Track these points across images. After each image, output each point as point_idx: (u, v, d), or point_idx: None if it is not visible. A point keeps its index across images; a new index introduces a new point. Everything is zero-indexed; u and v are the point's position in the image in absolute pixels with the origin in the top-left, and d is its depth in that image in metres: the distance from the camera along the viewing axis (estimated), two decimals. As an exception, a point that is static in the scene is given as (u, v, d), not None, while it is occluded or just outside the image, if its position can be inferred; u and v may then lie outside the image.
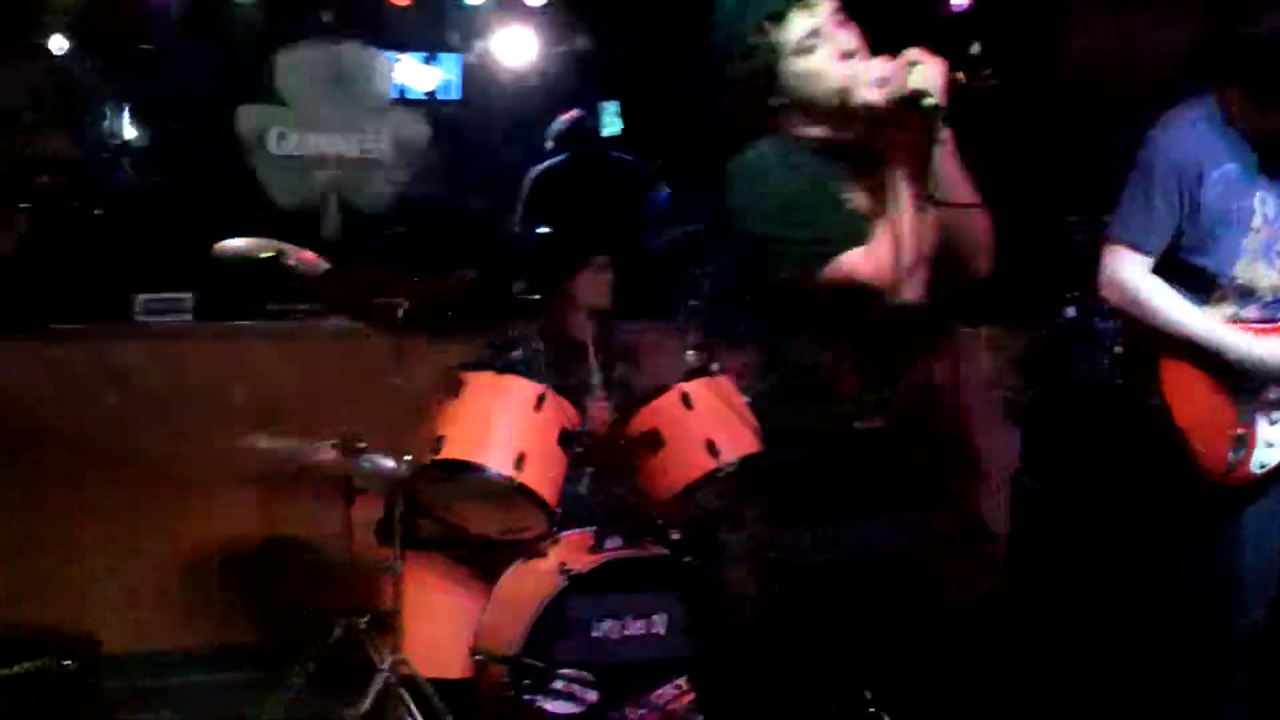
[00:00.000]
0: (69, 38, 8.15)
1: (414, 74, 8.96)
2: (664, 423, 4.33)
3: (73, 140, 8.25)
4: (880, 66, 2.71)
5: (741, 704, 3.13)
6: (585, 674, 4.08)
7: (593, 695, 4.12)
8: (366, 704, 4.12)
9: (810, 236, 2.75)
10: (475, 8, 8.50)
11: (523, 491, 4.18)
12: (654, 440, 4.32)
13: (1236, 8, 3.51)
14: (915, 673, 2.87)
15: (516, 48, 8.61)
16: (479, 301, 4.52)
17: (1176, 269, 3.52)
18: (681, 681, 4.20)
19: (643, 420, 4.37)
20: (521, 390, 4.32)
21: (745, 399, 4.56)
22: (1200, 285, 3.52)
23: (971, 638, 2.97)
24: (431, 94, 9.02)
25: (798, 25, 2.78)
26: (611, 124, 8.57)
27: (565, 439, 4.33)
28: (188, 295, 5.85)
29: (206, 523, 5.40)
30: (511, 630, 4.12)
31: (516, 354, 4.77)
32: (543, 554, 4.35)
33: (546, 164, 7.21)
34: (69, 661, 4.35)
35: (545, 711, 4.06)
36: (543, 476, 4.23)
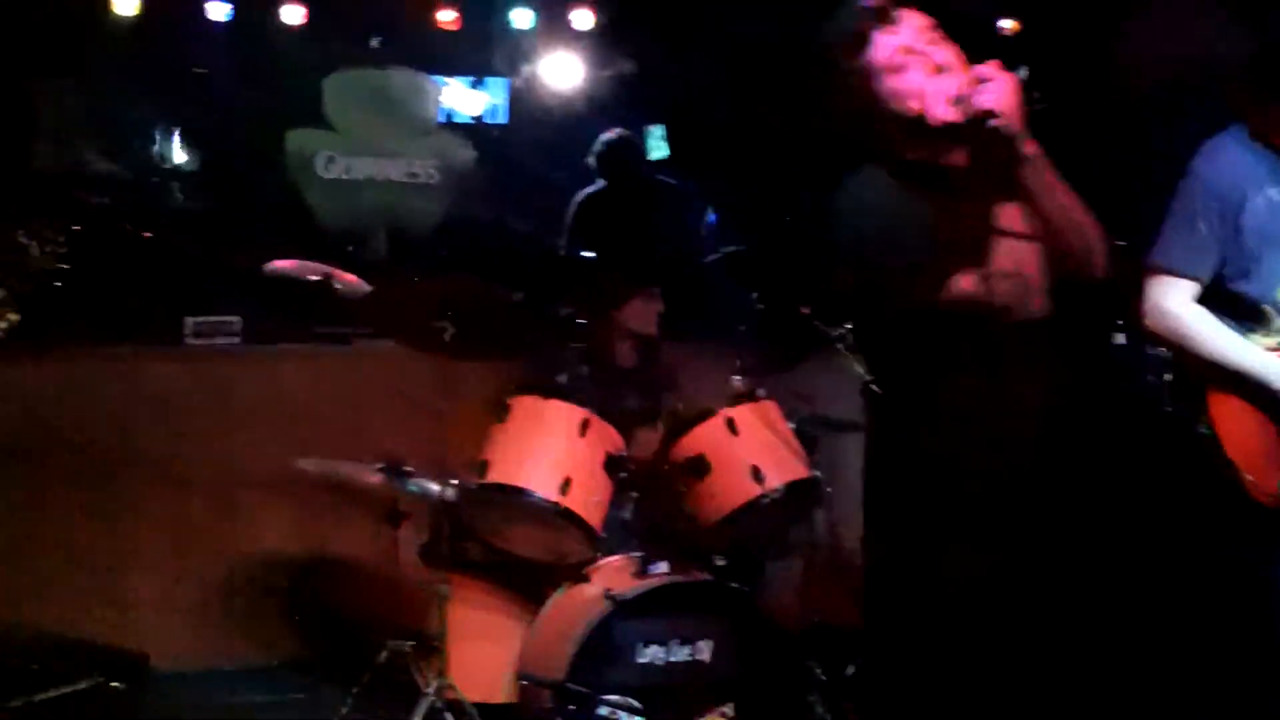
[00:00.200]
0: (121, 61, 8.23)
1: (461, 98, 9.02)
2: (709, 448, 4.32)
3: (123, 163, 8.35)
4: (953, 84, 2.69)
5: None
6: (630, 700, 4.07)
7: (637, 721, 4.11)
8: (412, 728, 4.12)
9: (919, 261, 2.73)
10: (522, 32, 8.53)
11: (567, 516, 4.18)
12: (699, 466, 4.31)
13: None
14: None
15: (563, 72, 8.64)
16: (524, 324, 4.52)
17: (1219, 296, 3.49)
18: (726, 708, 4.18)
19: (688, 445, 4.37)
20: (567, 415, 4.33)
21: (790, 425, 4.56)
22: (1243, 312, 3.48)
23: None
24: (478, 118, 9.07)
25: (889, 44, 2.77)
26: (658, 148, 8.59)
27: (610, 464, 4.33)
28: (236, 318, 5.88)
29: (254, 544, 5.43)
30: (556, 655, 4.11)
31: (562, 378, 4.78)
32: (587, 579, 4.34)
33: (591, 188, 7.22)
34: (116, 682, 4.37)
35: (590, 737, 4.05)
36: (587, 501, 4.23)
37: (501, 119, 9.12)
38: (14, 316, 3.70)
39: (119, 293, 6.58)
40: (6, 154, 7.80)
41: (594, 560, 4.37)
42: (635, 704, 4.04)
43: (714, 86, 8.18)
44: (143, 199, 8.27)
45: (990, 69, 2.65)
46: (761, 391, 4.56)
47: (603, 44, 8.54)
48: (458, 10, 8.35)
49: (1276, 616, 3.57)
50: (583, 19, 8.42)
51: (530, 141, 8.76)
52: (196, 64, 8.39)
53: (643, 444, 4.70)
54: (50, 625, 4.98)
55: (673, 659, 4.18)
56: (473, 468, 4.25)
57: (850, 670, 4.47)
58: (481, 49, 8.74)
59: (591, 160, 7.21)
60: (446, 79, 8.92)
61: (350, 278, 5.48)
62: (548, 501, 4.17)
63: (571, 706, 4.02)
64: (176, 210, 8.51)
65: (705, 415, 4.39)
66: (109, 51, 8.16)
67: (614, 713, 4.02)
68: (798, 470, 4.37)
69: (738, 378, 4.76)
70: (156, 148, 8.56)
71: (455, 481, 4.24)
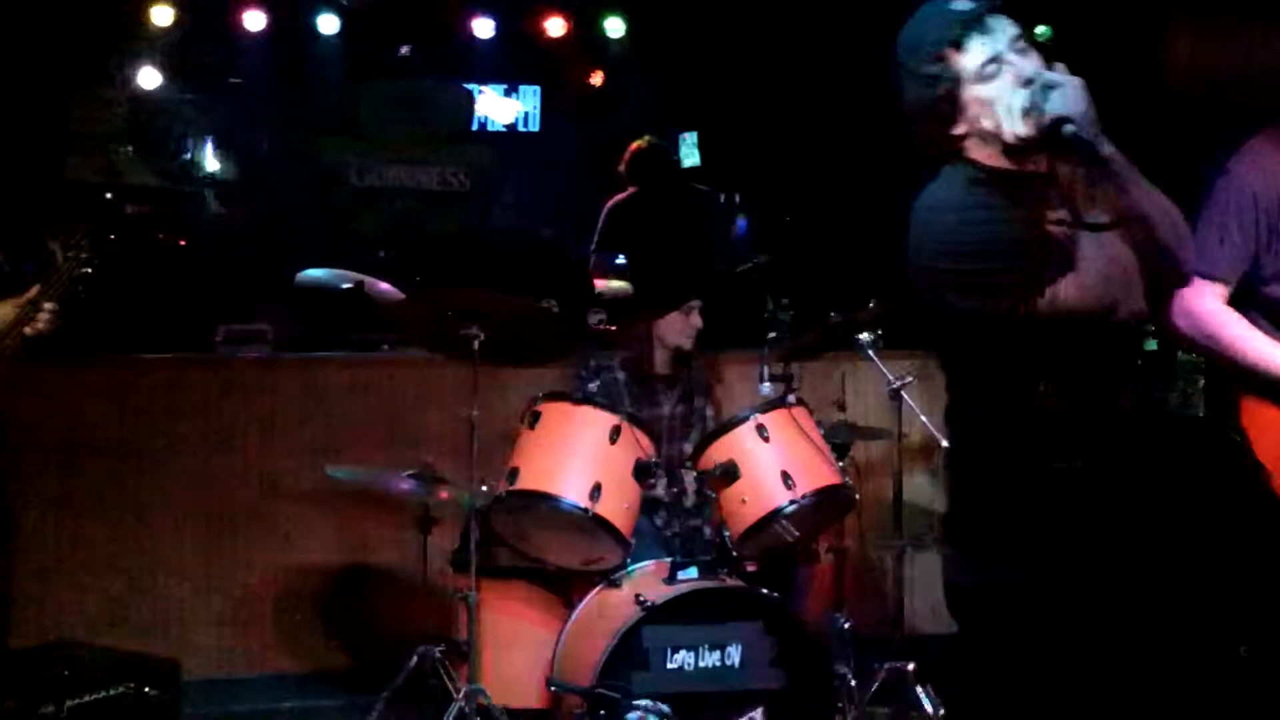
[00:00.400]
0: (157, 71, 8.30)
1: (494, 106, 9.05)
2: (740, 454, 4.32)
3: (159, 172, 8.41)
4: (1025, 96, 2.65)
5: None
6: (661, 705, 4.06)
7: (668, 726, 4.10)
8: (443, 733, 4.13)
9: (1004, 267, 2.69)
10: (554, 40, 8.56)
11: (598, 522, 4.18)
12: (730, 472, 4.30)
13: None
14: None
15: (595, 80, 8.66)
16: (556, 331, 4.52)
17: (1254, 300, 3.46)
18: (756, 714, 4.17)
19: (719, 452, 4.36)
20: (598, 421, 4.32)
21: (821, 431, 4.56)
22: (1276, 315, 3.45)
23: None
24: (511, 125, 9.10)
25: (978, 52, 2.75)
26: (690, 155, 8.59)
27: (641, 470, 4.33)
28: (267, 326, 5.91)
29: (286, 551, 5.45)
30: (587, 660, 4.11)
31: (594, 385, 4.79)
32: (618, 584, 4.34)
33: (622, 195, 7.23)
34: (149, 689, 4.39)
35: (621, 742, 4.05)
36: (618, 507, 4.23)
37: (534, 126, 9.15)
38: (50, 306, 3.73)
39: (154, 300, 6.64)
40: (40, 162, 7.87)
41: (624, 566, 4.37)
42: (665, 709, 4.02)
43: (744, 94, 8.19)
44: (178, 207, 8.33)
45: (1058, 74, 2.63)
46: (792, 398, 4.56)
47: (635, 52, 8.55)
48: (491, 18, 8.38)
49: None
50: (615, 27, 8.44)
51: (562, 149, 8.79)
52: (231, 74, 8.46)
53: (674, 450, 4.70)
54: (83, 631, 5.02)
55: (703, 664, 4.17)
56: (503, 474, 4.26)
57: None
58: (514, 57, 8.77)
59: (622, 167, 7.22)
60: (480, 87, 8.95)
61: (383, 285, 5.51)
62: (578, 508, 4.16)
63: (602, 712, 4.02)
64: (211, 218, 8.58)
65: (737, 422, 4.38)
66: (145, 61, 8.23)
67: (644, 718, 4.01)
68: (828, 477, 4.36)
69: (769, 384, 4.75)
70: (191, 156, 8.62)
71: (485, 488, 4.25)
